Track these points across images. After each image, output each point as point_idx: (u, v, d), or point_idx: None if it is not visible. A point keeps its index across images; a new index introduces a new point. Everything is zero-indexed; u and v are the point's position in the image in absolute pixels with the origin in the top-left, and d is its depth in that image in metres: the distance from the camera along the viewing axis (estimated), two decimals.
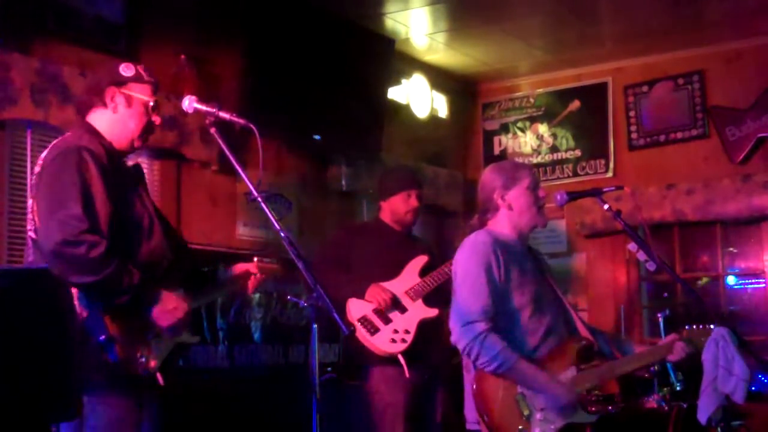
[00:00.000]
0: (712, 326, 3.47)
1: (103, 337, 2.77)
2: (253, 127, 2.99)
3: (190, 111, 3.14)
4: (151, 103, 3.10)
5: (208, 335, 4.84)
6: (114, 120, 3.07)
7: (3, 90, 3.87)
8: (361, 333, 4.27)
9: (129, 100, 3.08)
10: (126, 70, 3.09)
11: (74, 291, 2.81)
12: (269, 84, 5.14)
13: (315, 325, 2.97)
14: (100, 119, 3.08)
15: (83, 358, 2.73)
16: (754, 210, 6.14)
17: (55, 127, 4.06)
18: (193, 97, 3.13)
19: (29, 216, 2.99)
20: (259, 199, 2.97)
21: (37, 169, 3.00)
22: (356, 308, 4.32)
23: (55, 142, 3.04)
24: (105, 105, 3.07)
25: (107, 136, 3.06)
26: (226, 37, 5.07)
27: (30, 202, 3.01)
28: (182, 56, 4.78)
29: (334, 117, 5.56)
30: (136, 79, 3.10)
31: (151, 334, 2.94)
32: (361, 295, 4.34)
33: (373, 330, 4.29)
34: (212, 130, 3.13)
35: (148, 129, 3.14)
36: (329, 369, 4.92)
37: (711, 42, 6.36)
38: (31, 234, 2.96)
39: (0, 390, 2.80)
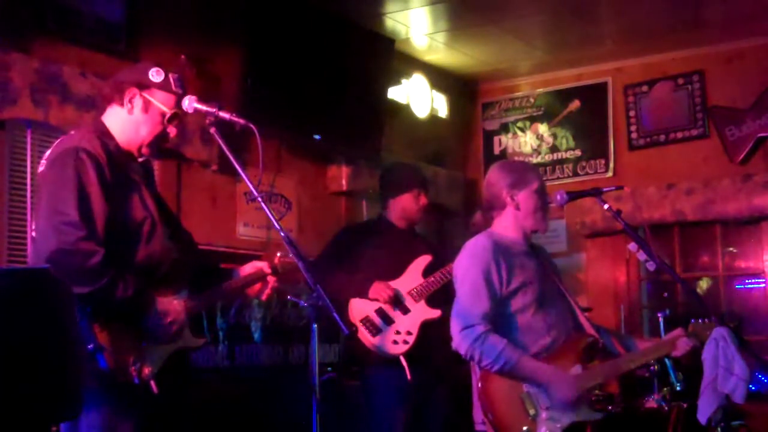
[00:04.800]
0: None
1: (91, 346, 2.72)
2: (253, 127, 2.99)
3: (190, 111, 3.12)
4: (169, 114, 3.01)
5: (208, 335, 4.83)
6: (127, 121, 3.01)
7: (3, 90, 3.87)
8: (363, 334, 4.26)
9: (147, 105, 3.00)
10: (155, 75, 3.01)
11: None
12: (269, 84, 5.13)
13: (315, 325, 2.97)
14: (114, 118, 3.02)
15: (78, 365, 2.69)
16: (754, 210, 6.14)
17: (55, 127, 4.06)
18: (193, 97, 3.12)
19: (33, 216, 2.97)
20: (259, 199, 2.97)
21: (40, 168, 2.96)
22: (359, 308, 4.31)
23: (57, 141, 2.99)
24: (122, 104, 3.00)
25: (117, 135, 3.00)
26: (226, 37, 5.07)
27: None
28: (182, 56, 4.78)
29: (334, 117, 5.56)
30: (162, 86, 3.01)
31: (145, 341, 2.88)
32: (363, 295, 4.33)
33: (375, 331, 4.28)
34: (212, 130, 3.12)
35: (160, 139, 3.05)
36: (329, 369, 4.92)
37: (711, 42, 6.36)
38: (33, 233, 2.94)
39: (0, 390, 2.80)
